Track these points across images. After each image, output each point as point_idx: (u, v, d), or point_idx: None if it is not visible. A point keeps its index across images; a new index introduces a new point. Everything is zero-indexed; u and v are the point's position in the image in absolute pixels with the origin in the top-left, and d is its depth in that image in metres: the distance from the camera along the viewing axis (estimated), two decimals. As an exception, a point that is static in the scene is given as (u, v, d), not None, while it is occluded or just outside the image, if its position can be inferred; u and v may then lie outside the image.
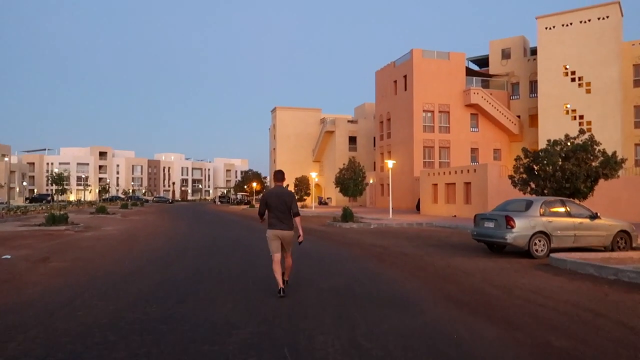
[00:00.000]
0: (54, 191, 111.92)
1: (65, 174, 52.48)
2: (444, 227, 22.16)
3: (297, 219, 7.22)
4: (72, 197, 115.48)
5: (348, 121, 66.48)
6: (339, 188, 35.70)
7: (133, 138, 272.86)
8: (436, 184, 32.66)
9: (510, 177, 17.78)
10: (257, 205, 63.49)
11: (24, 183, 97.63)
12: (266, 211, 7.30)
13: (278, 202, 7.10)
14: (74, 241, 15.41)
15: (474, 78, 47.92)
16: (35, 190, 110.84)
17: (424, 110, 45.04)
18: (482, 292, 7.35)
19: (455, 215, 29.39)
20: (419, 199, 36.73)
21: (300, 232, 7.21)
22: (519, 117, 47.46)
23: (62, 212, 20.41)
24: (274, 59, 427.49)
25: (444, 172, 32.34)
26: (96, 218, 29.85)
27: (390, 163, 29.43)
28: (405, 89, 46.53)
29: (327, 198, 66.52)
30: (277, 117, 73.47)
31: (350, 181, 28.22)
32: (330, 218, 28.51)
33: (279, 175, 7.39)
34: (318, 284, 7.95)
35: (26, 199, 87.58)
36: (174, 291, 7.27)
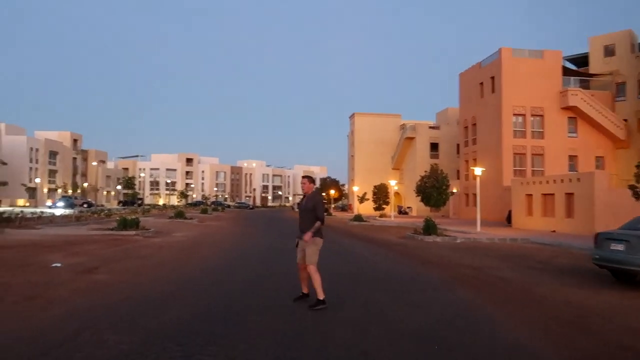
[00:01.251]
0: (144, 195, 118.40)
1: (141, 179, 54.13)
2: (543, 244, 19.26)
3: (318, 223, 6.66)
4: (161, 201, 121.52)
5: (429, 127, 63.44)
6: (420, 197, 33.24)
7: (218, 145, 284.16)
8: (531, 195, 29.30)
9: (632, 187, 14.80)
10: (334, 214, 62.49)
11: (118, 187, 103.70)
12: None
13: (302, 206, 6.81)
14: (136, 248, 14.66)
15: (572, 78, 43.38)
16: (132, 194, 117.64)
17: (514, 114, 41.35)
18: (636, 351, 5.14)
19: (554, 231, 26.00)
20: (509, 211, 33.38)
21: (310, 232, 6.59)
22: (625, 120, 42.20)
23: (134, 217, 20.14)
24: (353, 65, 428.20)
25: (541, 182, 28.92)
26: (172, 223, 29.82)
27: (478, 170, 26.68)
28: (493, 92, 43.08)
29: (407, 207, 63.75)
30: (356, 124, 71.97)
31: (433, 190, 25.79)
32: (411, 229, 26.30)
33: (309, 180, 6.99)
34: (392, 323, 6.09)
35: (119, 202, 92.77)
36: (208, 322, 5.77)
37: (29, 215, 22.76)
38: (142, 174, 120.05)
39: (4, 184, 63.41)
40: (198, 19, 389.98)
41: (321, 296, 6.50)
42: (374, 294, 8.09)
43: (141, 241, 17.09)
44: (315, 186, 7.06)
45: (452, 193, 28.98)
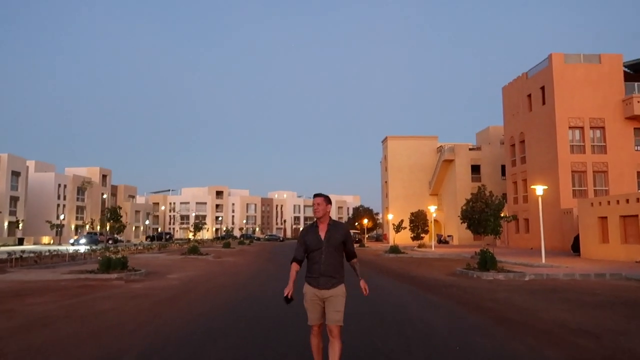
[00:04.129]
0: (173, 230, 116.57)
1: (173, 213, 51.10)
2: (646, 281, 14.43)
3: (356, 262, 4.91)
4: (191, 235, 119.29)
5: (469, 149, 58.61)
6: (466, 224, 28.55)
7: (248, 177, 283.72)
8: (605, 218, 24.22)
9: None
10: (368, 244, 57.73)
11: (147, 222, 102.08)
12: (305, 257, 4.68)
13: (325, 240, 4.59)
14: (96, 300, 10.82)
15: (636, 84, 38.17)
16: (160, 229, 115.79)
17: (570, 127, 36.39)
18: None
19: (639, 261, 20.91)
20: (575, 238, 28.24)
21: (362, 278, 4.78)
22: (702, 130, 36.57)
23: (121, 256, 16.48)
24: (383, 88, 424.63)
25: (618, 201, 23.85)
26: (180, 260, 26.08)
27: (539, 189, 21.98)
28: (544, 103, 38.33)
29: (448, 236, 58.51)
30: (389, 148, 67.79)
31: (489, 215, 21.22)
32: (460, 263, 21.69)
33: (325, 201, 4.73)
34: None
35: (147, 237, 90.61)
36: None
37: (4, 257, 19.42)
38: (169, 208, 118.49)
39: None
40: (226, 45, 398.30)
41: None
42: None
43: (117, 287, 13.27)
44: (330, 206, 4.84)
45: (513, 218, 24.20)
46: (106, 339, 6.99)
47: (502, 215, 21.64)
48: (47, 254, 23.23)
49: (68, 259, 22.96)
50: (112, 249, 33.34)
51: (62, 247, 37.38)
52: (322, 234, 4.62)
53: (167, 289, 13.09)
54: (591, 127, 36.33)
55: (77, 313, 9.13)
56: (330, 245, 4.60)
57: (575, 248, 27.53)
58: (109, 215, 19.30)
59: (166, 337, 7.04)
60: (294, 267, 4.68)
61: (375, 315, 8.82)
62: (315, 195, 4.72)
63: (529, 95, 40.69)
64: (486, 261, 16.78)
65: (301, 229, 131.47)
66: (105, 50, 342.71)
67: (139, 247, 38.71)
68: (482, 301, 10.77)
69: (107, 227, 22.07)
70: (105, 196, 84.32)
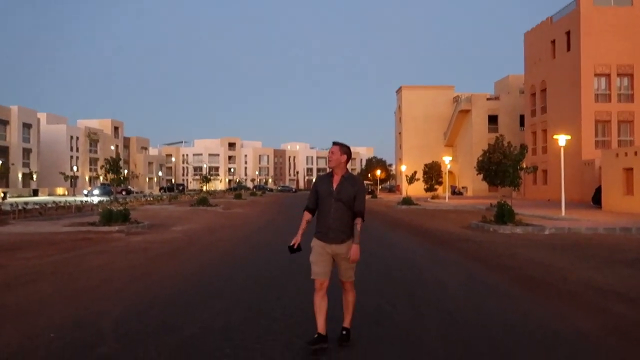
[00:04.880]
0: (186, 181, 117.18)
1: (185, 165, 50.76)
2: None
3: (359, 222, 4.34)
4: (205, 187, 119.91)
5: (487, 99, 56.58)
6: (482, 175, 27.61)
7: (261, 129, 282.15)
8: (631, 169, 23.00)
9: None
10: (380, 196, 57.10)
11: (160, 173, 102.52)
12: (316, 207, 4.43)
13: (335, 193, 4.32)
14: (90, 255, 10.29)
15: (669, 27, 35.73)
16: (173, 180, 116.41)
17: (595, 74, 34.48)
18: None
19: (667, 214, 19.90)
20: (596, 190, 27.16)
21: (357, 243, 4.31)
22: None
23: (122, 208, 15.95)
24: (399, 37, 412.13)
25: (645, 151, 22.58)
26: (188, 212, 25.68)
27: (562, 139, 20.78)
28: (569, 49, 36.24)
29: (462, 187, 57.57)
30: (403, 98, 65.91)
31: (508, 166, 20.17)
32: (476, 215, 20.89)
33: (341, 150, 4.44)
34: None
35: (161, 188, 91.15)
36: None
37: (8, 208, 19.05)
38: (182, 160, 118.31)
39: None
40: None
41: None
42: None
43: (116, 241, 12.77)
44: (346, 156, 4.49)
45: (534, 169, 23.01)
46: (88, 298, 6.39)
47: (522, 166, 20.56)
48: (52, 205, 22.92)
49: (74, 211, 22.65)
50: (120, 200, 33.19)
51: (76, 198, 37.34)
52: (335, 185, 4.39)
53: (167, 243, 12.55)
54: (618, 75, 34.38)
55: (66, 269, 8.58)
56: (340, 198, 4.35)
57: (596, 200, 26.50)
58: (108, 166, 18.66)
59: (153, 297, 6.41)
60: (306, 215, 4.52)
61: (383, 274, 8.11)
62: (334, 144, 4.50)
63: (553, 41, 38.49)
64: (503, 214, 15.94)
65: (314, 180, 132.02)
66: (115, 1, 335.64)
67: (149, 199, 38.57)
68: (500, 258, 10.00)
69: (107, 179, 21.47)
70: (112, 147, 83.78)
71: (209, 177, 48.35)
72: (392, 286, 7.11)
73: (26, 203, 23.26)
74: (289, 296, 6.39)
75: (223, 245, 12.14)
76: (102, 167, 21.11)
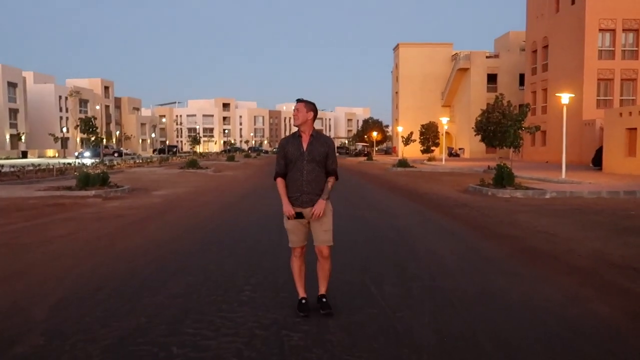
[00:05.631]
0: (181, 143, 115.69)
1: (179, 126, 49.57)
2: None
3: (331, 180, 4.18)
4: (199, 148, 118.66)
5: (487, 56, 54.96)
6: (480, 136, 26.65)
7: (255, 89, 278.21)
8: (634, 129, 22.12)
9: None
10: (376, 158, 56.09)
11: (153, 135, 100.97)
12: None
13: (305, 153, 4.10)
14: (56, 223, 9.50)
15: (679, -20, 34.07)
16: (167, 141, 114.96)
17: (600, 30, 33.09)
18: None
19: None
20: (597, 151, 26.36)
21: (324, 200, 4.09)
22: None
23: (100, 171, 15.02)
24: None
25: (651, 110, 21.64)
26: (176, 175, 24.83)
27: (565, 98, 19.78)
28: (573, 3, 34.65)
29: (459, 149, 56.74)
30: (400, 56, 64.08)
31: (508, 126, 19.22)
32: (473, 178, 20.16)
33: (306, 107, 4.18)
34: None
35: (154, 150, 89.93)
36: None
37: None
38: (176, 121, 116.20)
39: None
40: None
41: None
42: None
43: (89, 207, 11.95)
44: (313, 113, 4.20)
45: (536, 129, 21.97)
46: (32, 277, 5.59)
47: (523, 126, 19.62)
48: (32, 168, 21.96)
49: (56, 174, 21.72)
50: (107, 162, 32.23)
51: (67, 160, 36.31)
52: (305, 146, 4.15)
53: (144, 209, 11.73)
54: (624, 30, 32.99)
55: (22, 240, 7.77)
56: (313, 158, 4.13)
57: (597, 162, 25.74)
58: (83, 126, 17.54)
59: (106, 276, 5.61)
60: (280, 182, 4.23)
61: (372, 244, 7.34)
62: (298, 101, 4.24)
63: (557, -6, 36.77)
64: (502, 177, 15.14)
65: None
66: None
67: (138, 161, 37.61)
68: (499, 225, 9.24)
69: (78, 139, 20.45)
70: (97, 107, 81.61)
71: (198, 138, 46.83)
72: (380, 259, 6.34)
73: (13, 166, 22.26)
74: (262, 274, 5.61)
75: (203, 211, 11.33)
76: (76, 126, 20.02)
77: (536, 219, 9.88)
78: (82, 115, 79.02)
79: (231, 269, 5.84)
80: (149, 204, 12.61)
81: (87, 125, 17.57)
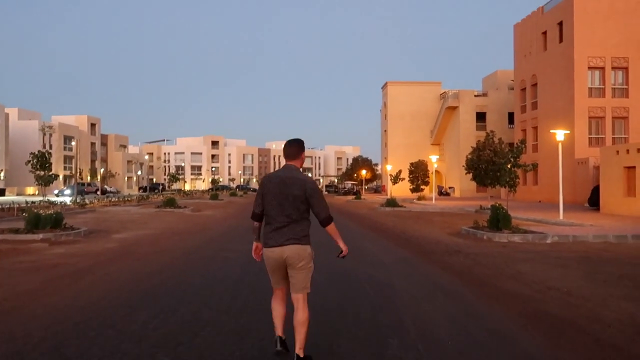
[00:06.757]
0: (167, 180, 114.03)
1: (167, 164, 48.15)
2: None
3: (330, 228, 3.99)
4: (187, 187, 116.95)
5: (475, 95, 54.74)
6: (471, 174, 25.58)
7: (244, 127, 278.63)
8: (633, 167, 21.05)
9: None
10: (365, 197, 54.83)
11: (139, 172, 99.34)
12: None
13: (282, 195, 3.84)
14: (-31, 276, 7.87)
15: (665, 19, 34.04)
16: (155, 180, 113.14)
17: (589, 67, 32.67)
18: None
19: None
20: (593, 190, 25.25)
21: (341, 243, 4.08)
22: None
23: (53, 212, 13.51)
24: (384, 34, 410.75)
25: (650, 148, 20.65)
26: (149, 215, 23.24)
27: (560, 134, 18.76)
28: (561, 41, 34.39)
29: (449, 188, 55.71)
30: (389, 94, 63.91)
31: (503, 164, 18.05)
32: (465, 219, 18.83)
33: (290, 148, 4.03)
34: None
35: (139, 188, 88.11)
36: None
37: None
38: (163, 159, 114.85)
39: None
40: None
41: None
42: None
43: (28, 254, 10.35)
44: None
45: (533, 167, 20.70)
46: None
47: (519, 163, 18.44)
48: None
49: (17, 213, 20.07)
50: (81, 200, 30.57)
51: (46, 199, 34.43)
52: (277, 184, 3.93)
53: (90, 256, 10.16)
54: (613, 68, 32.58)
55: None
56: (289, 197, 3.86)
57: (593, 202, 24.58)
58: (35, 161, 16.06)
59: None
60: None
61: (345, 307, 5.86)
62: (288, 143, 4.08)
63: (544, 33, 36.62)
64: (498, 219, 13.79)
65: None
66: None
67: (114, 199, 35.95)
68: (500, 279, 7.80)
69: (61, 177, 18.91)
70: (74, 143, 79.82)
71: (177, 176, 45.35)
72: (353, 331, 4.85)
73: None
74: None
75: (153, 261, 9.76)
76: (27, 162, 18.50)
77: (542, 271, 8.48)
78: (67, 152, 78.09)
79: (152, 346, 4.31)
80: (99, 251, 11.04)
81: (39, 161, 16.09)
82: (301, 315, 3.84)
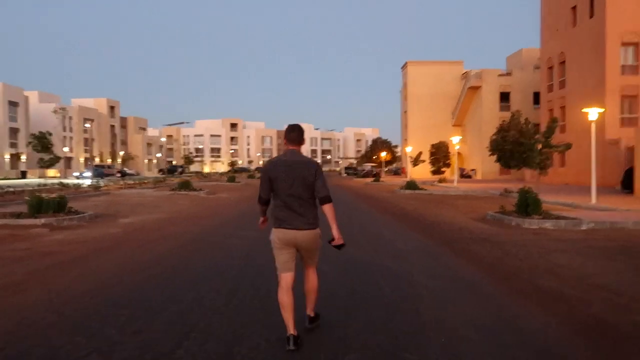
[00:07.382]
0: (185, 162, 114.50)
1: (186, 146, 47.87)
2: None
3: (328, 207, 4.00)
4: (207, 169, 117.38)
5: (499, 75, 52.84)
6: (495, 156, 24.39)
7: (263, 109, 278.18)
8: (672, 148, 19.70)
9: None
10: (384, 179, 53.76)
11: (158, 155, 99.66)
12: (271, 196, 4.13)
13: (290, 179, 3.97)
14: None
15: None
16: (174, 162, 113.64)
17: (622, 44, 30.87)
18: None
19: None
20: (626, 173, 23.87)
21: (335, 228, 3.99)
22: None
23: (57, 195, 12.98)
24: (404, 12, 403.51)
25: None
26: (163, 197, 22.74)
27: (593, 113, 17.52)
28: (592, 16, 32.54)
29: (471, 170, 54.26)
30: (409, 74, 62.24)
31: (532, 144, 16.95)
32: (490, 202, 17.86)
33: (292, 134, 4.14)
34: None
35: (159, 170, 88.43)
36: None
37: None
38: (182, 141, 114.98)
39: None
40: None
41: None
42: None
43: (26, 239, 9.83)
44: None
45: (567, 147, 19.29)
46: None
47: (551, 144, 17.28)
48: (12, 189, 20.04)
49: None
50: (94, 183, 30.33)
51: (67, 181, 34.60)
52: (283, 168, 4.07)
53: (90, 243, 9.58)
54: (648, 43, 30.70)
55: None
56: (297, 182, 3.99)
57: (626, 185, 23.23)
58: (35, 142, 15.55)
59: None
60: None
61: (356, 307, 5.07)
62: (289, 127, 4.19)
63: (574, 8, 34.72)
64: (527, 203, 12.79)
65: (319, 161, 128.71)
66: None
67: (129, 182, 35.70)
68: (535, 273, 6.92)
69: (82, 159, 18.47)
70: (89, 125, 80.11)
71: (191, 158, 44.95)
72: (363, 338, 4.07)
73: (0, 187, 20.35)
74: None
75: (157, 247, 9.14)
76: (28, 143, 18.07)
77: (581, 263, 7.56)
78: (87, 135, 78.56)
79: (147, 340, 3.60)
80: (102, 236, 10.45)
81: (39, 142, 15.57)
82: (313, 283, 4.21)
